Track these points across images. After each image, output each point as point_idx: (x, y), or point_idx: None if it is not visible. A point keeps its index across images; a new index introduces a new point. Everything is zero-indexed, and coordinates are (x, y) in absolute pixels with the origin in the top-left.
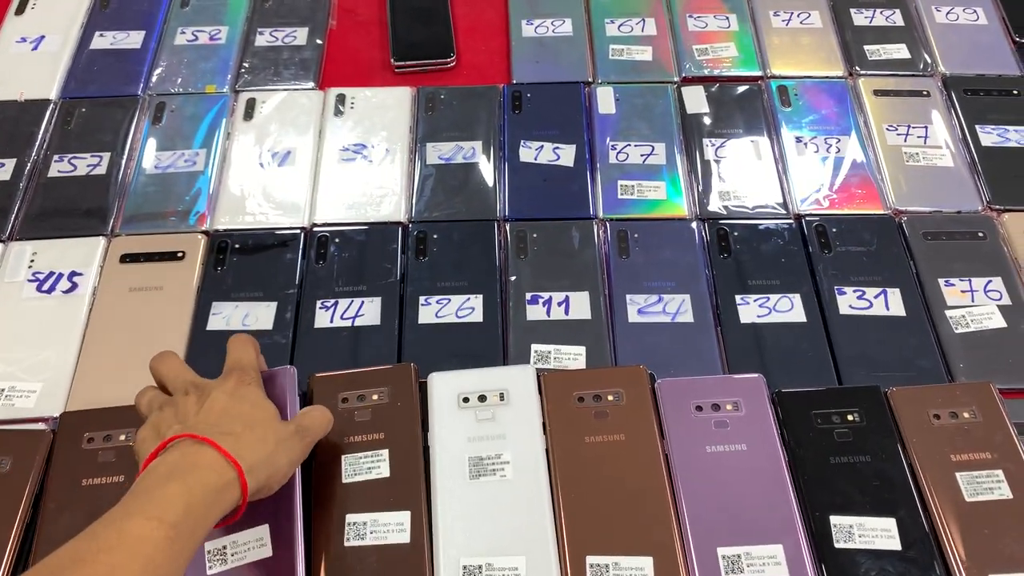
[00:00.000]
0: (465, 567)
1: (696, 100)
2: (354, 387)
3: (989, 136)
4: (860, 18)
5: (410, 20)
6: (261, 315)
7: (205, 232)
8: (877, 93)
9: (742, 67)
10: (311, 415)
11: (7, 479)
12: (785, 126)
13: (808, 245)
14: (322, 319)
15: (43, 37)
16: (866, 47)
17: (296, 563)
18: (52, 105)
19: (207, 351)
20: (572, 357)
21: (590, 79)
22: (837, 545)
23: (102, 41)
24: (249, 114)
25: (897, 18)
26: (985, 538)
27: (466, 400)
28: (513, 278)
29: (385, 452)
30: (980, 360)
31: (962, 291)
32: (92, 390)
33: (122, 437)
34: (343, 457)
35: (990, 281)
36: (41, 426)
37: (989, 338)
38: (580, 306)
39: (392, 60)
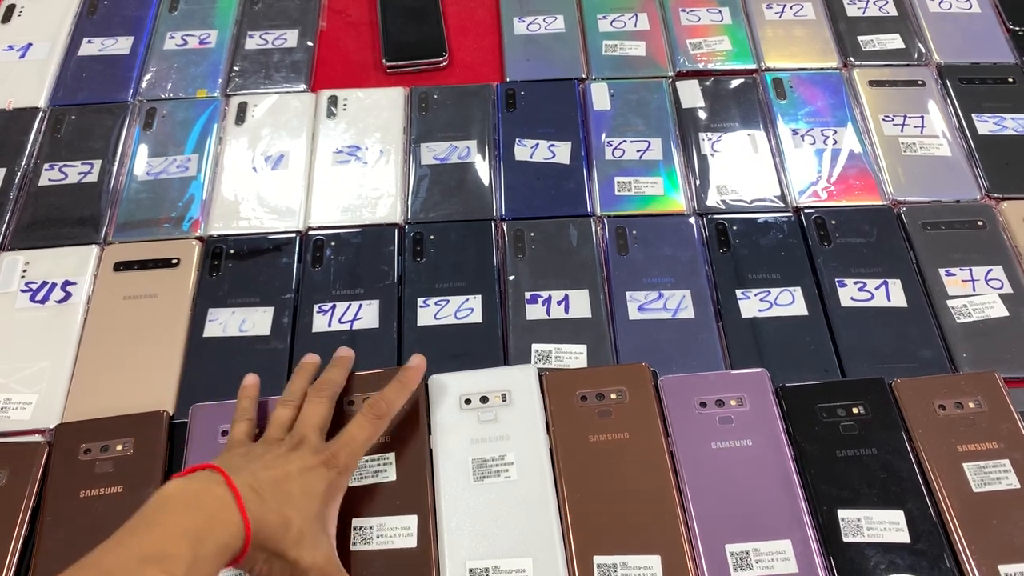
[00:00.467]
0: (472, 570)
1: (691, 94)
2: (359, 390)
3: (986, 124)
4: (853, 9)
5: (401, 20)
6: (258, 321)
7: (199, 238)
8: (872, 84)
9: (736, 60)
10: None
11: (3, 492)
12: (781, 119)
13: (807, 238)
14: (320, 323)
15: (30, 45)
16: (860, 38)
17: None
18: (41, 113)
19: (204, 358)
20: (573, 356)
21: (584, 75)
22: (845, 539)
23: (90, 48)
24: (241, 118)
25: (890, 8)
26: (994, 528)
27: (468, 402)
28: (512, 278)
29: (391, 456)
30: (983, 349)
31: (963, 280)
32: (88, 401)
33: (119, 447)
34: None
35: (991, 270)
36: (37, 438)
37: (991, 327)
38: (580, 304)
39: (384, 60)
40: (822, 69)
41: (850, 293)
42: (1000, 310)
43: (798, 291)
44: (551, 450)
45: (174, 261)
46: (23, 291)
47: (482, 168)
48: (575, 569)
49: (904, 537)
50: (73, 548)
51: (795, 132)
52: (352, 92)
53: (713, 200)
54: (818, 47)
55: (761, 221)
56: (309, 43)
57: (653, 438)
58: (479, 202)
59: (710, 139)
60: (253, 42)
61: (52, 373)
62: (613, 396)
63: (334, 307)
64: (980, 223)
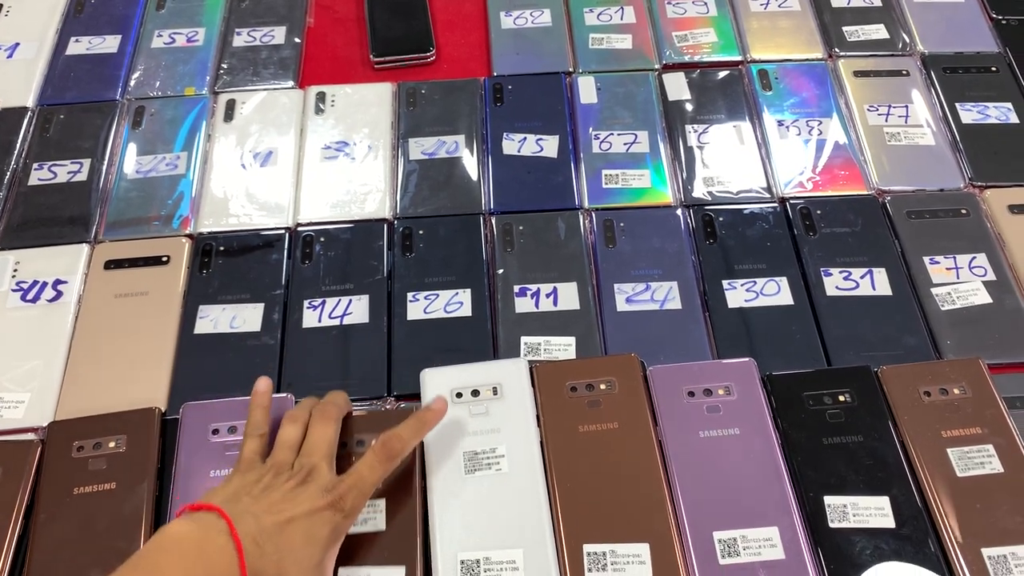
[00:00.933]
0: (463, 562)
1: (677, 87)
2: (367, 431)
3: (969, 113)
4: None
5: (388, 15)
6: (248, 317)
7: (189, 235)
8: (857, 74)
9: (722, 52)
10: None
11: None
12: (767, 110)
13: (793, 228)
14: (310, 319)
15: (17, 44)
16: (845, 28)
17: None
18: (30, 113)
19: (195, 355)
20: (562, 348)
21: (571, 69)
22: (832, 525)
23: (78, 46)
24: (229, 115)
25: None
26: (977, 512)
27: (459, 395)
28: (500, 271)
29: (382, 503)
30: (967, 336)
31: (947, 268)
32: (81, 398)
33: (112, 444)
34: None
35: (974, 257)
36: (30, 436)
37: (975, 314)
38: (568, 297)
39: (371, 56)
40: (807, 60)
41: (835, 282)
42: (984, 297)
43: (784, 281)
44: (542, 441)
45: (164, 259)
46: (14, 290)
47: (470, 162)
48: (565, 558)
49: (889, 522)
50: (67, 545)
51: (780, 123)
52: (340, 88)
53: (700, 192)
54: (803, 38)
55: (747, 212)
56: (296, 40)
57: (642, 428)
58: (467, 196)
59: (696, 131)
60: (241, 39)
61: (44, 372)
62: (602, 387)
63: (324, 302)
64: (964, 211)
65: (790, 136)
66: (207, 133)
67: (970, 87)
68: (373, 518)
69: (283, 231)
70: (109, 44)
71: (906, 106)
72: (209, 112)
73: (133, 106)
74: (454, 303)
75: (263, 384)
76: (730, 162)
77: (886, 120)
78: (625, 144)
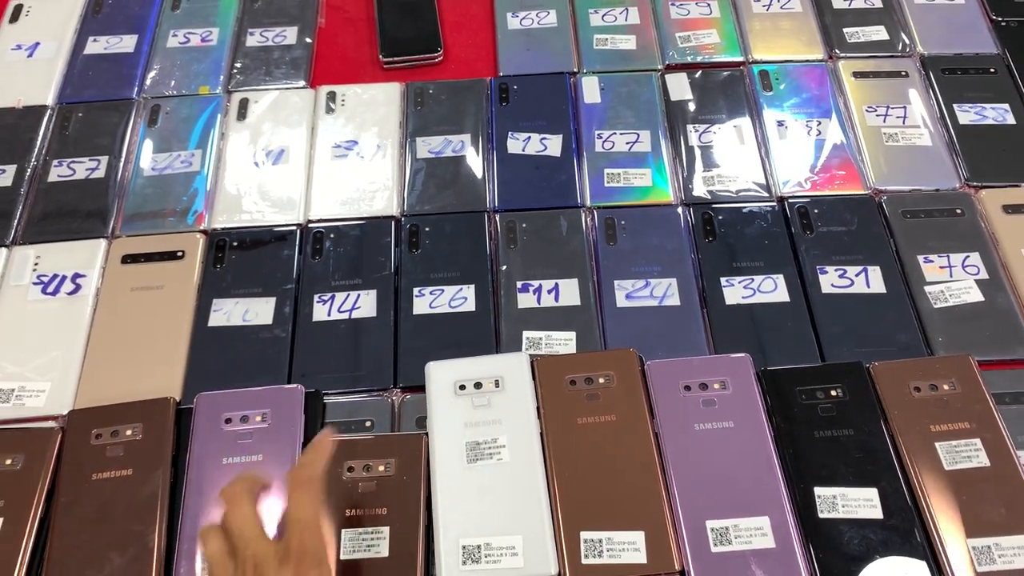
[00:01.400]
0: (465, 547)
1: (680, 87)
2: (361, 456)
3: (966, 114)
4: (839, 1)
5: (397, 16)
6: (261, 310)
7: (203, 231)
8: (856, 75)
9: (724, 53)
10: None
11: (20, 476)
12: (767, 110)
13: (791, 227)
14: (320, 312)
15: (38, 44)
16: (845, 30)
17: None
18: (49, 111)
19: (209, 347)
20: (563, 342)
21: (575, 69)
22: (821, 515)
23: (96, 46)
24: (242, 114)
25: (876, 0)
26: (963, 504)
27: (463, 388)
28: (504, 267)
29: (386, 530)
30: (959, 333)
31: (940, 267)
32: (99, 388)
33: (128, 432)
34: (341, 531)
35: (968, 256)
36: (51, 424)
37: (967, 312)
38: (569, 293)
39: (381, 56)
40: (808, 61)
41: (831, 280)
42: (976, 295)
43: (780, 278)
44: (541, 433)
45: (179, 254)
46: (35, 284)
47: (476, 161)
48: (563, 545)
49: (877, 513)
50: (86, 527)
51: (780, 123)
52: (350, 88)
53: (700, 190)
54: (804, 39)
55: (746, 211)
56: (308, 40)
57: (639, 420)
58: (473, 194)
59: (697, 131)
60: (254, 39)
61: (64, 362)
62: (601, 380)
63: (333, 297)
64: (959, 211)
65: (789, 136)
66: (221, 131)
67: (968, 88)
68: (376, 545)
69: (294, 227)
70: (126, 44)
71: (904, 107)
72: (223, 111)
73: (149, 104)
74: (458, 298)
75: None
76: (730, 161)
77: (884, 121)
78: (627, 143)
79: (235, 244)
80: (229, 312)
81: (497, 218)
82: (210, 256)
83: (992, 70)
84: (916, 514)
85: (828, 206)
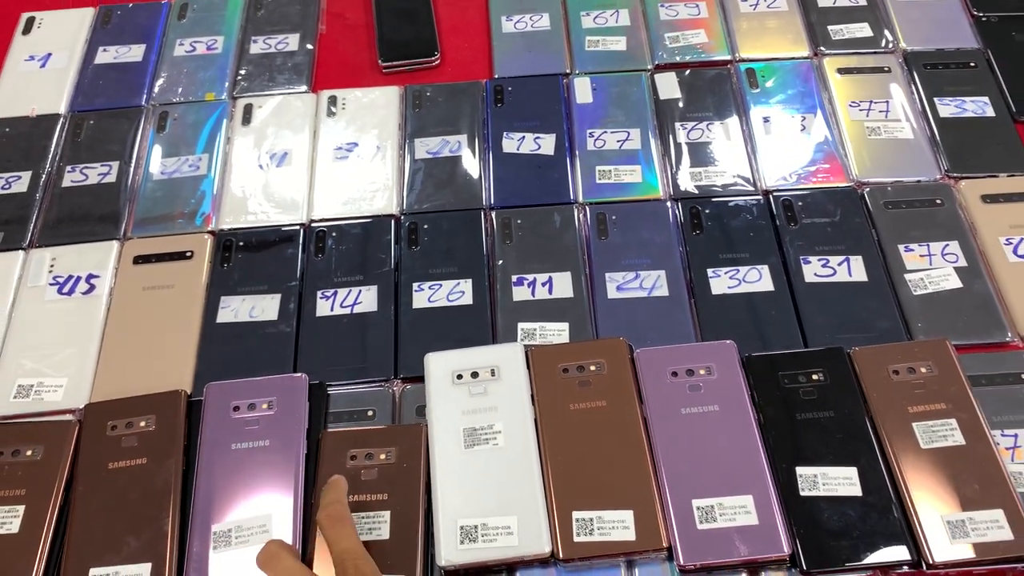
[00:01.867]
0: (462, 527)
1: (669, 86)
2: (363, 445)
3: (947, 107)
4: None
5: (396, 22)
6: (267, 307)
7: (211, 232)
8: (841, 71)
9: (712, 52)
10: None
11: (41, 466)
12: (753, 107)
13: (776, 219)
14: (323, 308)
15: (50, 55)
16: (830, 27)
17: None
18: (62, 119)
19: (217, 342)
20: (556, 333)
21: (568, 70)
22: (803, 493)
23: (105, 56)
24: (247, 119)
25: None
26: (939, 481)
27: (460, 377)
28: (500, 262)
29: (387, 514)
30: (937, 319)
31: (920, 255)
32: (113, 382)
33: (142, 424)
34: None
35: (947, 245)
36: (68, 417)
37: (946, 298)
38: (563, 286)
39: (380, 61)
40: (793, 58)
41: (814, 269)
42: (955, 282)
43: (765, 269)
44: (535, 419)
45: (188, 254)
46: (51, 284)
47: (472, 161)
48: (556, 524)
49: (857, 491)
50: (103, 514)
51: (766, 120)
52: (351, 92)
53: (688, 185)
54: (790, 37)
55: (732, 204)
56: (309, 46)
57: (628, 405)
58: (469, 193)
59: (686, 128)
60: (257, 46)
61: (80, 358)
62: (592, 368)
63: (336, 293)
64: (939, 201)
65: (775, 132)
66: (227, 136)
67: (949, 82)
68: (378, 528)
69: (298, 227)
70: (134, 53)
71: (887, 101)
72: (228, 116)
73: (157, 111)
74: (456, 292)
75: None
76: (717, 157)
77: (867, 115)
78: (618, 141)
79: (241, 244)
80: (236, 309)
81: (493, 215)
82: (218, 256)
83: (972, 64)
84: (893, 491)
85: (812, 199)
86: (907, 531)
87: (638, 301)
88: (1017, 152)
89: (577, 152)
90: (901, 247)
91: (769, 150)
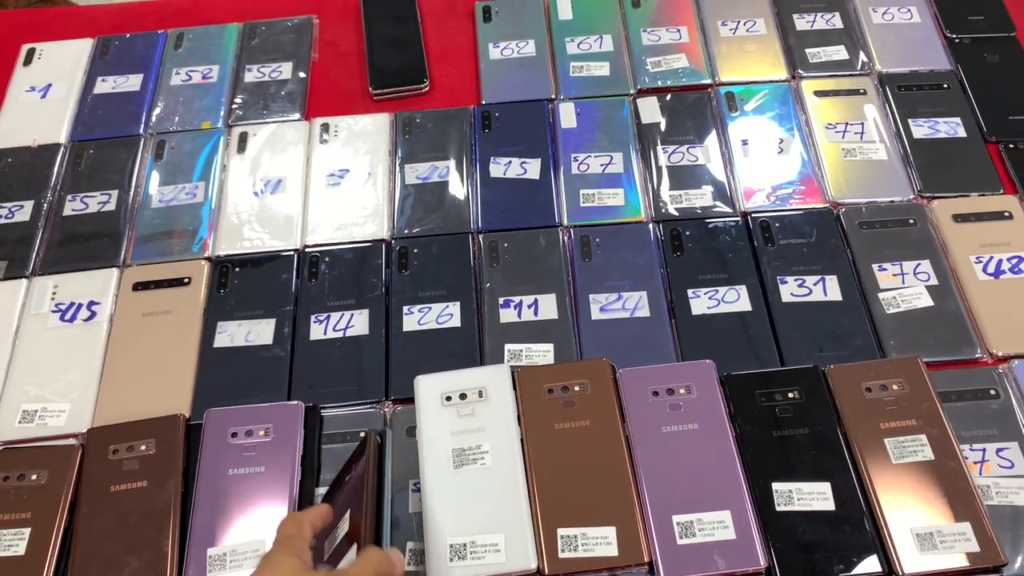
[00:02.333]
0: (452, 545)
1: (650, 111)
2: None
3: (921, 128)
4: (802, 23)
5: (386, 50)
6: (262, 331)
7: (208, 258)
8: (817, 94)
9: (692, 76)
10: None
11: (45, 490)
12: (732, 130)
13: (754, 240)
14: (317, 332)
15: (50, 85)
16: (808, 50)
17: None
18: (63, 149)
19: (215, 366)
20: (541, 354)
21: (553, 96)
22: (778, 508)
23: (104, 86)
24: (242, 147)
25: (837, 21)
26: (909, 496)
27: (448, 399)
28: (487, 285)
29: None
30: (909, 337)
31: (894, 274)
32: (114, 407)
33: (143, 447)
34: None
35: (919, 264)
36: (71, 441)
37: (918, 316)
38: (548, 307)
39: (371, 88)
40: (772, 82)
41: (790, 289)
42: (926, 300)
43: (743, 289)
44: (522, 439)
45: (186, 280)
46: (53, 311)
47: (460, 185)
48: (541, 541)
49: (830, 505)
50: (106, 535)
51: (745, 142)
52: (342, 119)
53: (669, 208)
54: (768, 60)
55: (712, 226)
56: (302, 75)
57: (611, 425)
58: (457, 217)
59: (667, 151)
60: (251, 75)
61: (82, 384)
62: (576, 388)
63: (329, 316)
64: (911, 221)
65: (753, 154)
66: (222, 164)
67: (922, 103)
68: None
69: (292, 252)
70: (132, 82)
71: (862, 123)
72: (224, 144)
73: (155, 140)
74: (445, 315)
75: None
76: (697, 180)
77: (843, 137)
78: (602, 165)
79: (237, 270)
80: (232, 334)
81: (480, 238)
82: (214, 282)
83: (945, 86)
84: (865, 505)
85: (789, 220)
86: (878, 544)
87: (621, 322)
88: (988, 172)
89: (562, 176)
90: (875, 266)
91: (748, 172)
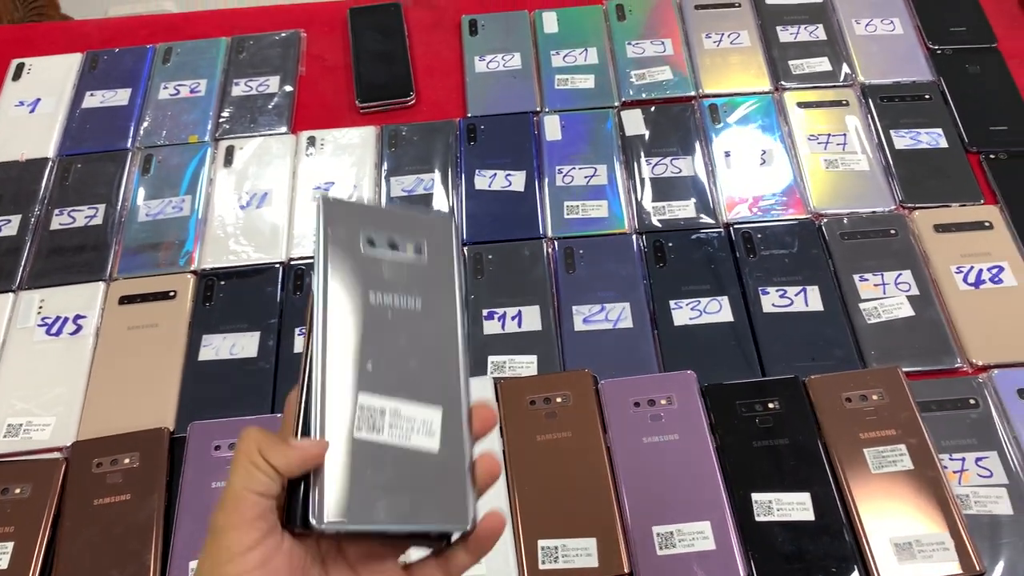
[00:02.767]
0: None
1: (634, 123)
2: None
3: (902, 139)
4: (786, 35)
5: (372, 64)
6: (247, 344)
7: (194, 272)
8: (800, 105)
9: (677, 89)
10: None
11: (28, 503)
12: (715, 141)
13: (736, 251)
14: (301, 345)
15: (39, 100)
16: (791, 62)
17: None
18: (51, 163)
19: (199, 380)
20: (525, 365)
21: (538, 108)
22: (758, 519)
23: (92, 100)
24: (229, 160)
25: (820, 33)
26: (888, 505)
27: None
28: (472, 297)
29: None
30: (890, 346)
31: (875, 285)
32: (99, 420)
33: (127, 461)
34: None
35: (900, 274)
36: (56, 455)
37: (898, 326)
38: (531, 319)
39: (357, 101)
40: (755, 93)
41: (772, 300)
42: (907, 310)
43: (725, 300)
44: (503, 450)
45: (172, 294)
46: (39, 325)
47: (445, 198)
48: (522, 552)
49: (809, 515)
50: (89, 548)
51: (727, 154)
52: (329, 132)
53: (652, 219)
54: (752, 72)
55: (694, 237)
56: (289, 88)
57: (592, 436)
58: None
59: (651, 163)
60: (239, 89)
61: (67, 397)
62: (558, 400)
63: None
64: (892, 231)
65: (735, 165)
66: (209, 177)
67: (904, 114)
68: None
69: (277, 265)
70: (120, 97)
71: (844, 135)
72: (211, 158)
73: (142, 154)
74: None
75: None
76: (680, 191)
77: (825, 148)
78: (586, 177)
79: (223, 283)
80: (217, 347)
81: (465, 250)
82: (200, 295)
83: (927, 96)
84: (845, 515)
85: (771, 231)
86: (857, 553)
87: (604, 333)
88: (968, 182)
89: (546, 188)
90: (856, 277)
91: (730, 183)
